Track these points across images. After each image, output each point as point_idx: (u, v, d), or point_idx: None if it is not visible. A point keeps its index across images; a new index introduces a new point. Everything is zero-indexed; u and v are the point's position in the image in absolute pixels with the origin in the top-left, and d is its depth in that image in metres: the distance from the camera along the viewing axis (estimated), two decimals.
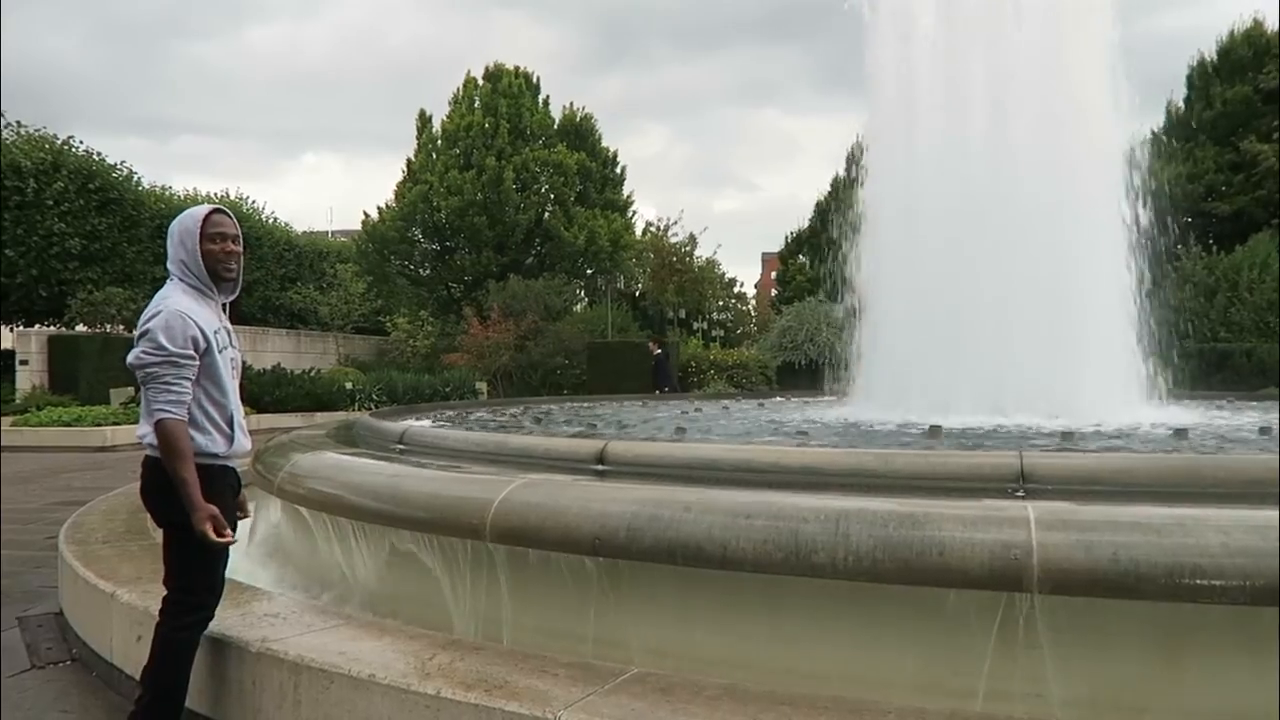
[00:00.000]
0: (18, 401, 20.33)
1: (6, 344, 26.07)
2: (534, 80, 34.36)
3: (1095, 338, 7.42)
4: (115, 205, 25.22)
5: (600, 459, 4.28)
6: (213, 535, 2.72)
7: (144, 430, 2.82)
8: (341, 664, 2.66)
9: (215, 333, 2.84)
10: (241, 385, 3.07)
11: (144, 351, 2.71)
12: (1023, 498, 3.20)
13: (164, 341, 2.71)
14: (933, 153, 8.11)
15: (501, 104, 32.26)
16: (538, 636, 3.39)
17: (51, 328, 23.74)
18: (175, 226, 2.89)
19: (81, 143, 25.56)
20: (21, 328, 24.21)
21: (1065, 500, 3.07)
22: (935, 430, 5.21)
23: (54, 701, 3.50)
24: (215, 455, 2.84)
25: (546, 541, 3.25)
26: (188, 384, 2.75)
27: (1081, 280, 7.43)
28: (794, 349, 28.61)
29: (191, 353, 2.75)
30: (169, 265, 2.89)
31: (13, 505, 8.97)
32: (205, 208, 2.91)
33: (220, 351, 2.85)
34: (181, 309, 2.76)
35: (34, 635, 4.36)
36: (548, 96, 34.55)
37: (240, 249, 2.95)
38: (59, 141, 24.83)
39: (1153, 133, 29.07)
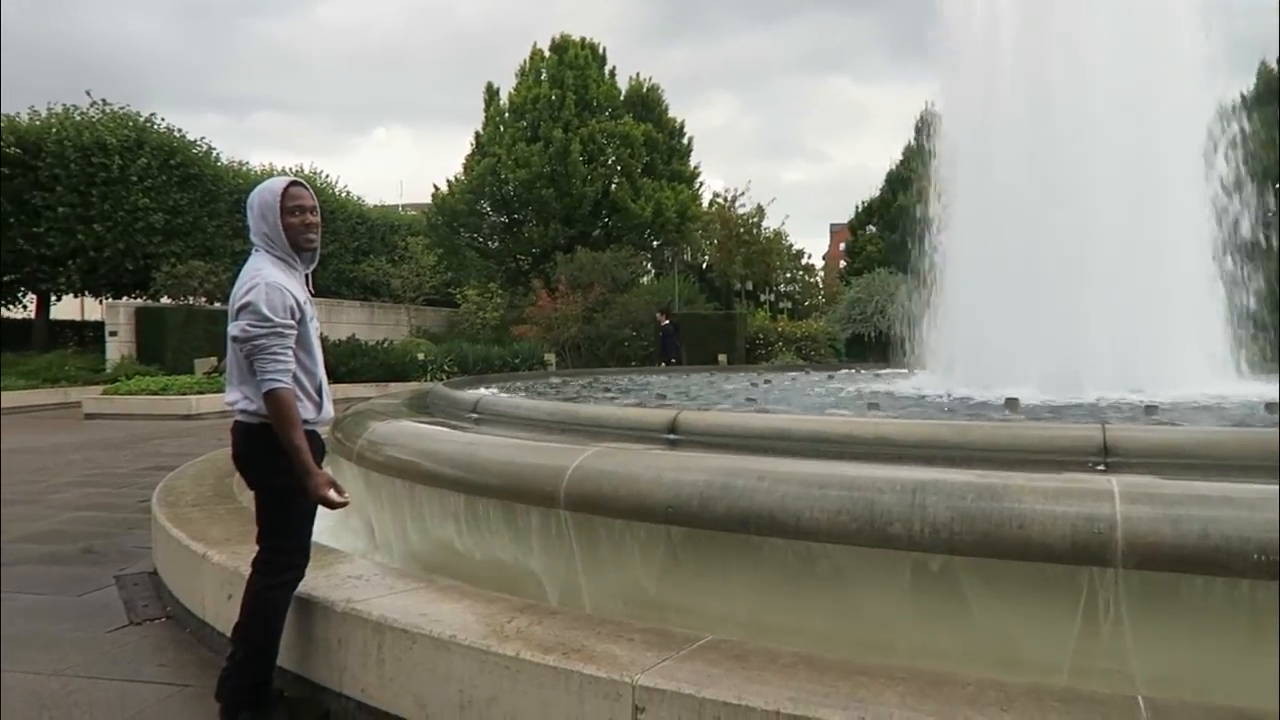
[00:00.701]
0: (108, 371, 21.20)
1: (97, 316, 27.18)
2: (600, 51, 34.23)
3: (1179, 309, 7.15)
4: (195, 181, 25.97)
5: (672, 428, 4.30)
6: (334, 495, 2.83)
7: (234, 397, 2.92)
8: (423, 625, 2.73)
9: (305, 303, 2.92)
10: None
11: (249, 324, 2.79)
12: (1105, 471, 3.13)
13: (267, 312, 2.79)
14: (1008, 119, 7.87)
15: (568, 76, 32.24)
16: (613, 603, 3.44)
17: (138, 300, 24.62)
18: (254, 200, 2.96)
19: (163, 120, 26.37)
20: (110, 300, 25.17)
21: (1150, 475, 2.99)
22: (1013, 403, 5.10)
23: (151, 656, 3.68)
24: (306, 421, 2.93)
25: (619, 510, 3.28)
26: (291, 353, 2.85)
27: (1165, 249, 7.16)
28: (863, 321, 28.25)
29: (292, 322, 2.84)
30: (253, 238, 2.96)
31: (106, 470, 9.38)
32: (282, 180, 2.98)
33: (310, 321, 2.94)
34: (276, 280, 2.84)
35: (130, 593, 4.58)
36: (614, 68, 34.45)
37: (318, 220, 3.02)
38: (142, 119, 25.61)
39: (1243, 95, 27.74)
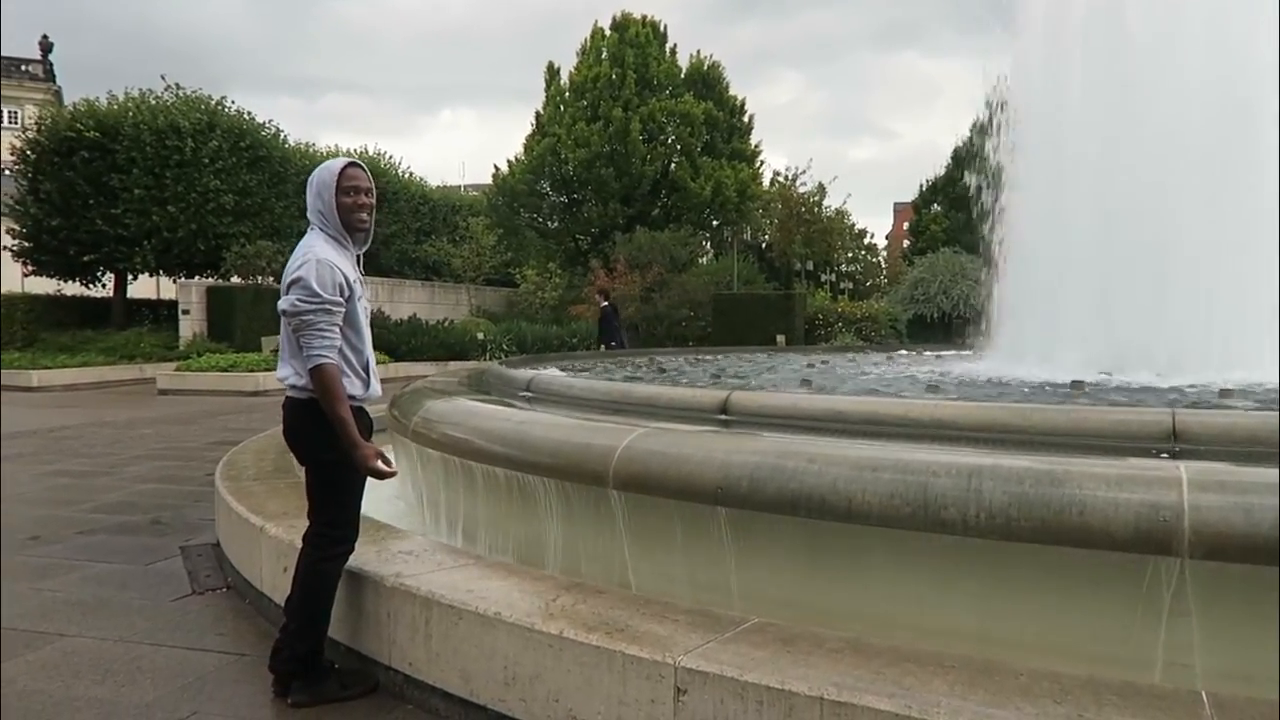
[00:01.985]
0: (180, 348, 21.84)
1: (171, 295, 28.00)
2: (661, 29, 33.97)
3: (1263, 288, 6.85)
4: (264, 162, 26.49)
5: (724, 409, 4.26)
6: (382, 466, 2.88)
7: (285, 373, 2.96)
8: (470, 601, 2.75)
9: (354, 281, 2.95)
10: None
11: (299, 299, 2.83)
12: (1173, 458, 3.01)
13: (316, 288, 2.82)
14: (1083, 94, 7.59)
15: (628, 54, 32.09)
16: (660, 583, 3.43)
17: (209, 279, 25.27)
18: (314, 179, 3.00)
19: (233, 103, 26.94)
20: (183, 279, 25.89)
21: (1222, 462, 2.87)
22: (1078, 385, 4.95)
23: (212, 625, 3.77)
24: (353, 398, 2.96)
25: (668, 490, 3.26)
26: (338, 330, 2.88)
27: (1251, 226, 6.84)
28: (926, 301, 27.76)
29: (340, 299, 2.87)
30: (309, 215, 3.00)
31: (175, 443, 9.67)
32: (341, 161, 3.01)
33: (358, 299, 2.96)
34: (327, 257, 2.87)
35: (194, 564, 4.70)
36: (675, 46, 34.14)
37: (373, 201, 3.04)
38: (213, 102, 26.19)
39: None
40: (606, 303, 16.94)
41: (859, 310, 27.42)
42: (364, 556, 3.23)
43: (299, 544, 3.12)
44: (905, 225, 50.25)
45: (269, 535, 3.76)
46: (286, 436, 3.07)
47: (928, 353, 11.87)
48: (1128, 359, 6.32)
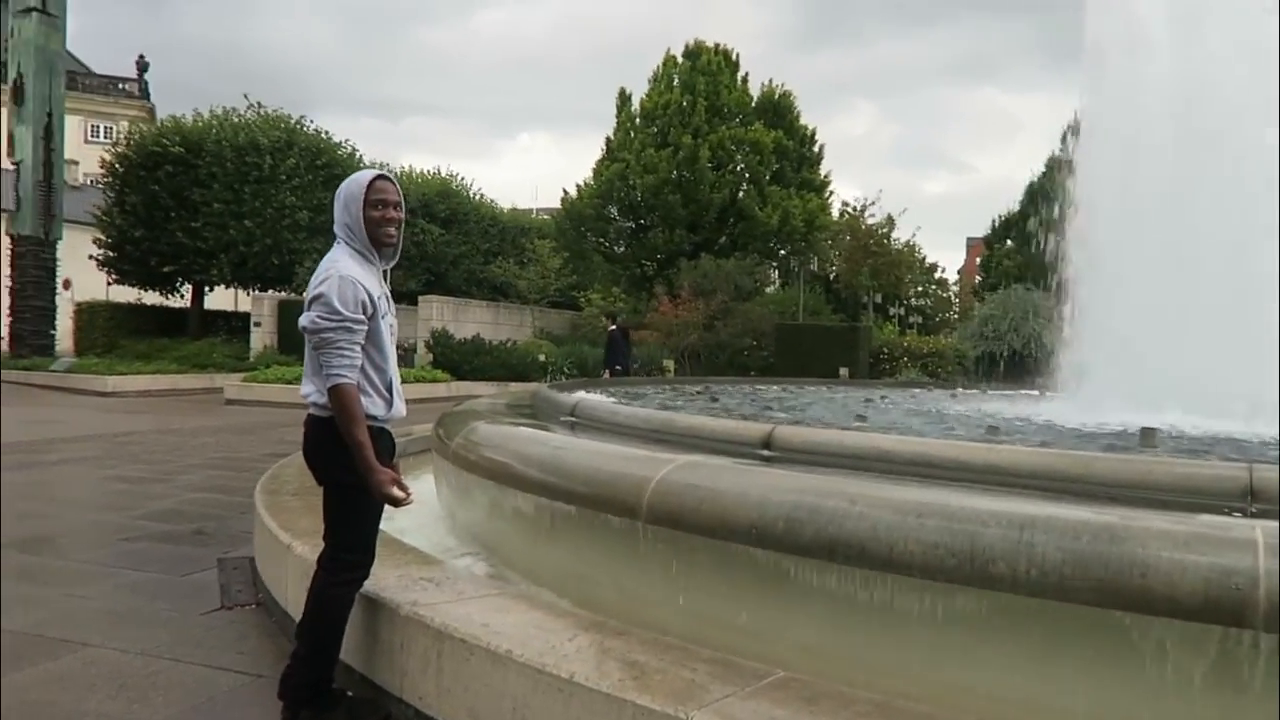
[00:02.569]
0: (250, 359, 22.36)
1: (246, 307, 28.76)
2: (733, 57, 33.98)
3: None
4: (339, 181, 26.87)
5: (767, 443, 4.09)
6: (398, 493, 2.79)
7: (308, 390, 2.89)
8: (482, 636, 2.63)
9: (379, 298, 2.87)
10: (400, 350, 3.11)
11: (319, 316, 2.76)
12: (1249, 518, 2.75)
13: (338, 305, 2.74)
14: (1159, 131, 7.27)
15: (700, 82, 32.14)
16: (688, 621, 3.27)
17: (282, 293, 25.88)
18: (341, 191, 2.93)
19: (311, 122, 27.70)
20: (257, 292, 26.56)
21: None
22: (1149, 434, 4.64)
23: (234, 642, 3.72)
24: (374, 418, 2.88)
25: (702, 526, 3.11)
26: (359, 348, 2.79)
27: None
28: (995, 339, 27.01)
29: (362, 317, 2.79)
30: (336, 229, 2.93)
31: (233, 453, 9.80)
32: (370, 173, 2.94)
33: (382, 317, 2.88)
34: (350, 274, 2.79)
35: (229, 577, 4.68)
36: (746, 74, 34.11)
37: (401, 215, 2.96)
38: (292, 121, 26.95)
39: None
40: (614, 326, 16.48)
41: (926, 345, 26.86)
42: (384, 581, 3.14)
43: None
44: (977, 260, 49.28)
45: (295, 553, 3.69)
46: (306, 455, 3.00)
47: (994, 391, 11.48)
48: (1206, 406, 5.96)
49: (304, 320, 2.79)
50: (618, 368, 15.62)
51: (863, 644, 2.85)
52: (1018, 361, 23.86)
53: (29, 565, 4.88)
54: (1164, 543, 2.27)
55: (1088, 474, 3.16)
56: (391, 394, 2.93)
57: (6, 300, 25.59)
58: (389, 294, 3.00)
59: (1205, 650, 2.22)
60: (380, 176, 2.93)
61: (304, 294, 2.86)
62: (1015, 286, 28.75)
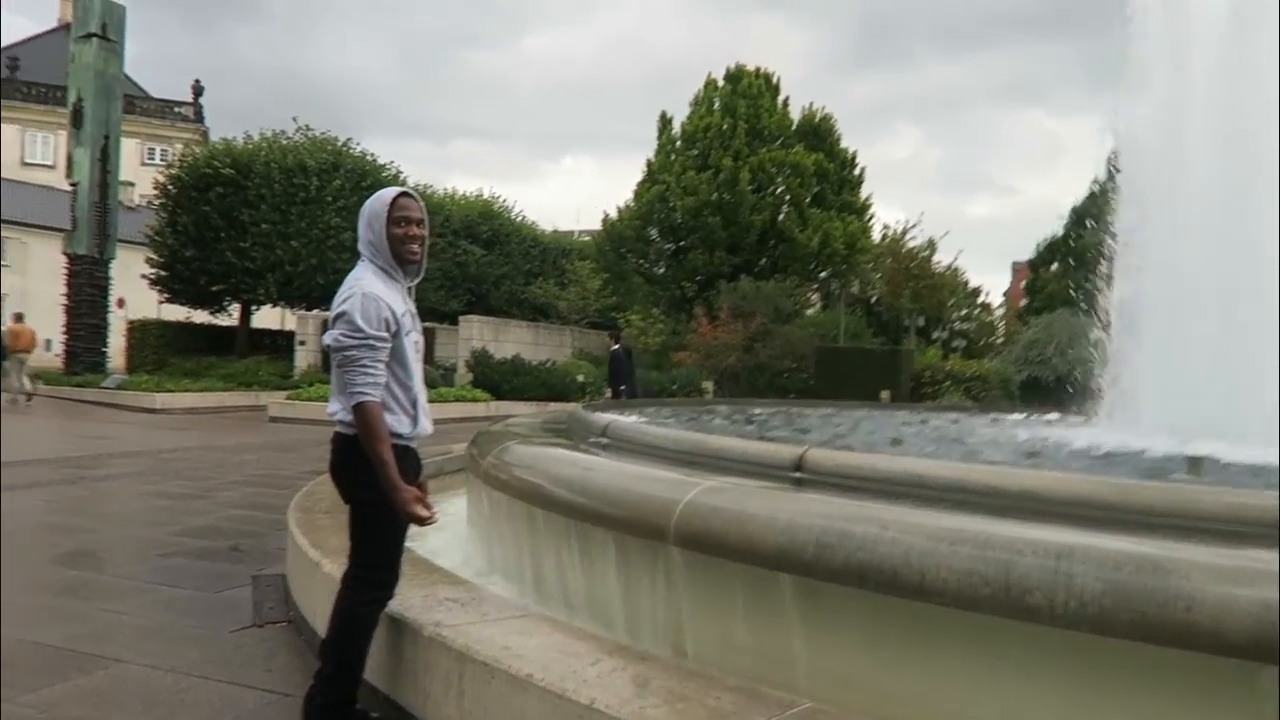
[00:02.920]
0: (295, 378, 22.67)
1: (292, 325, 29.22)
2: (774, 81, 34.03)
3: None
4: None
5: (798, 466, 4.01)
6: (421, 512, 2.77)
7: (334, 408, 2.89)
8: (503, 659, 2.59)
9: (402, 315, 2.87)
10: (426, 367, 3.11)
11: (342, 334, 2.77)
12: None
13: (360, 323, 2.75)
14: (1207, 152, 7.11)
15: (740, 105, 32.21)
16: (715, 648, 3.21)
17: (326, 312, 26.21)
18: (365, 209, 2.95)
19: (358, 144, 28.16)
20: (301, 311, 26.96)
21: None
22: (1197, 463, 4.50)
23: (263, 660, 3.73)
24: (400, 435, 2.87)
25: (729, 551, 3.05)
26: (383, 366, 2.80)
27: None
28: (1041, 363, 26.58)
29: (385, 335, 2.79)
30: (360, 247, 2.95)
31: (273, 471, 9.91)
32: (393, 190, 2.95)
33: (406, 334, 2.88)
34: (373, 291, 2.80)
35: (261, 594, 4.70)
36: (787, 97, 34.13)
37: (425, 233, 2.97)
38: (339, 143, 27.43)
39: None
40: (618, 345, 16.22)
41: (969, 369, 26.47)
42: (409, 600, 3.13)
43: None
44: (1022, 284, 48.59)
45: (323, 571, 3.70)
46: (333, 473, 3.00)
47: (1037, 416, 11.25)
48: (1257, 435, 5.77)
49: (327, 338, 2.80)
50: (622, 388, 15.38)
51: (895, 675, 2.78)
52: (1063, 386, 23.42)
53: (70, 580, 4.96)
54: (1210, 576, 2.18)
55: (1129, 502, 3.05)
56: (417, 411, 2.93)
57: (62, 318, 26.26)
58: (414, 311, 3.00)
59: (1253, 689, 2.12)
60: (403, 193, 2.94)
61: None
62: (1061, 310, 28.29)
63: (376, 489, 2.76)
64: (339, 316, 2.78)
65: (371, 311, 2.75)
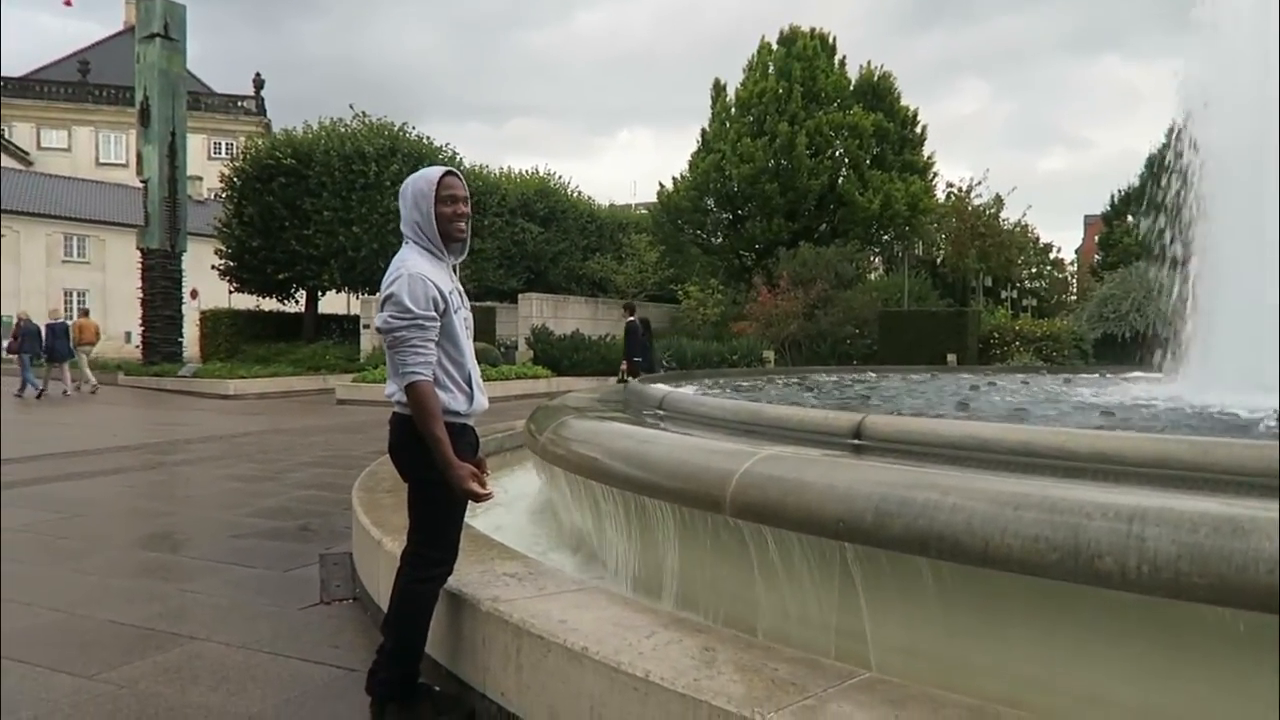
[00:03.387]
0: (361, 360, 23.10)
1: (355, 310, 29.76)
2: (830, 41, 33.31)
3: None
4: None
5: (857, 434, 3.93)
6: (477, 488, 2.78)
7: (391, 389, 2.91)
8: (559, 633, 2.59)
9: (450, 293, 2.86)
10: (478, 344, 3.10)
11: (391, 316, 2.78)
12: None
13: (409, 304, 2.75)
14: None
15: (795, 68, 31.62)
16: (777, 619, 3.17)
17: None
18: (407, 189, 2.94)
19: (414, 128, 28.40)
20: (365, 295, 27.42)
21: None
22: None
23: (330, 636, 3.79)
24: (457, 413, 2.88)
25: (787, 520, 3.00)
26: (433, 345, 2.80)
27: None
28: (1117, 320, 25.71)
29: (434, 314, 2.79)
30: (403, 228, 2.94)
31: (341, 452, 10.11)
32: (438, 170, 2.94)
33: (455, 312, 2.88)
34: (420, 271, 2.80)
35: (329, 572, 4.79)
36: (844, 57, 33.38)
37: (469, 210, 2.96)
38: (395, 128, 27.71)
39: None
40: (633, 317, 16.04)
41: (1040, 329, 25.76)
42: (467, 576, 3.14)
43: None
44: (1095, 239, 47.06)
45: (385, 550, 3.74)
46: (391, 453, 3.02)
47: (1113, 375, 10.89)
48: None
49: (377, 321, 2.81)
50: (637, 360, 15.25)
51: (963, 645, 2.71)
52: (1141, 343, 22.65)
53: (148, 561, 5.12)
54: None
55: (1207, 461, 2.91)
56: (471, 387, 2.93)
57: (139, 310, 27.13)
58: (461, 289, 2.99)
59: None
60: (449, 172, 2.93)
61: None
62: (1137, 264, 27.33)
63: (432, 467, 2.77)
64: (387, 299, 2.78)
65: (419, 291, 2.75)
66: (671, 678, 2.25)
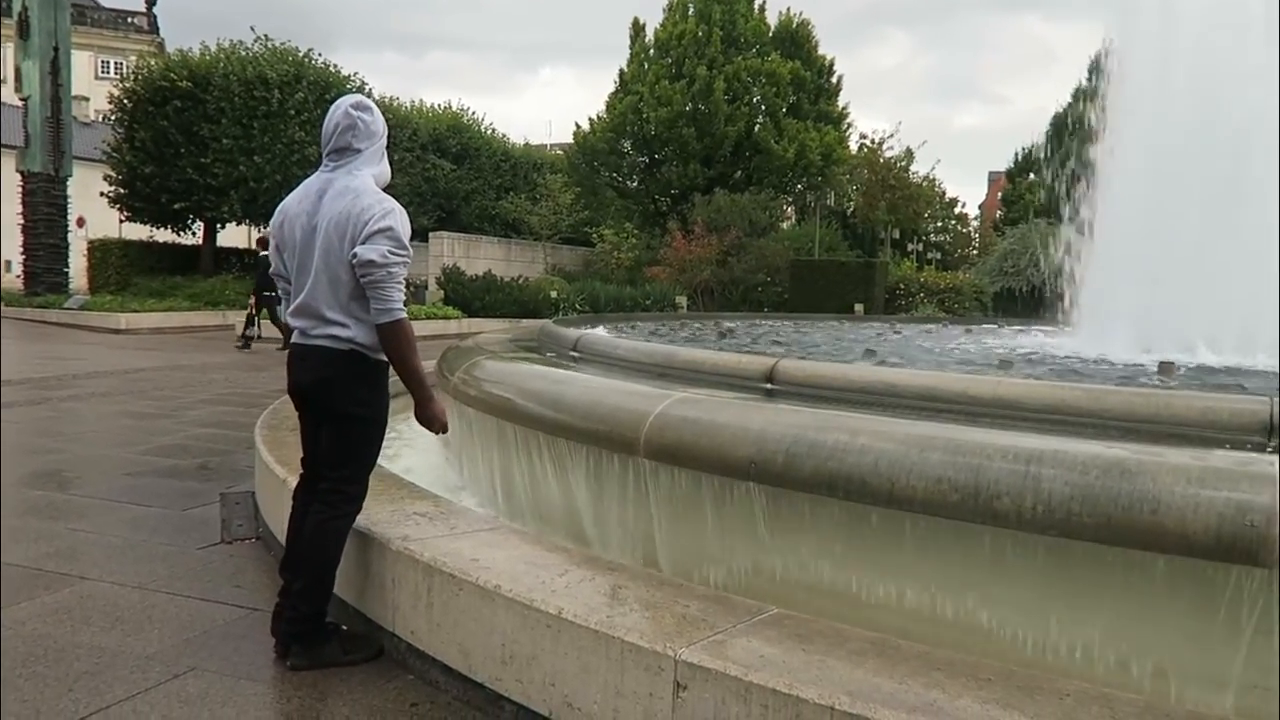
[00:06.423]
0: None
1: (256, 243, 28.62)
2: None
3: None
4: None
5: (770, 378, 3.99)
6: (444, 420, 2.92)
7: (323, 323, 2.79)
8: (471, 571, 2.57)
9: None
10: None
11: (390, 250, 2.72)
12: (1271, 453, 2.64)
13: (404, 239, 2.77)
14: (1190, 62, 6.98)
15: (715, 11, 31.32)
16: (688, 558, 3.22)
17: None
18: (371, 118, 2.87)
19: (320, 55, 27.17)
20: (266, 228, 26.39)
21: None
22: (1167, 367, 4.52)
23: (231, 576, 3.70)
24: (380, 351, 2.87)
25: (700, 462, 3.03)
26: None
27: None
28: (1015, 274, 26.68)
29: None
30: (359, 149, 2.84)
31: (242, 389, 9.80)
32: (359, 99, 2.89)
33: None
34: (399, 206, 2.82)
35: (230, 511, 4.63)
36: (764, 3, 33.20)
37: None
38: (300, 54, 26.49)
39: None
40: (265, 252, 15.19)
41: (943, 281, 26.54)
42: (377, 515, 3.09)
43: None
44: (999, 195, 48.44)
45: (290, 488, 3.64)
46: (312, 388, 2.89)
47: (1010, 327, 11.31)
48: (1228, 341, 5.81)
49: (370, 253, 2.68)
50: (268, 294, 14.38)
51: (865, 582, 2.79)
52: (1038, 297, 23.54)
53: (35, 500, 4.89)
54: (1177, 478, 2.17)
55: (1101, 408, 3.05)
56: None
57: (20, 238, 25.58)
58: None
59: (1219, 589, 2.14)
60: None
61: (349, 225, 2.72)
62: (1037, 221, 28.29)
63: (368, 405, 2.82)
64: (382, 231, 2.69)
65: (407, 227, 2.78)
66: (584, 615, 2.27)
